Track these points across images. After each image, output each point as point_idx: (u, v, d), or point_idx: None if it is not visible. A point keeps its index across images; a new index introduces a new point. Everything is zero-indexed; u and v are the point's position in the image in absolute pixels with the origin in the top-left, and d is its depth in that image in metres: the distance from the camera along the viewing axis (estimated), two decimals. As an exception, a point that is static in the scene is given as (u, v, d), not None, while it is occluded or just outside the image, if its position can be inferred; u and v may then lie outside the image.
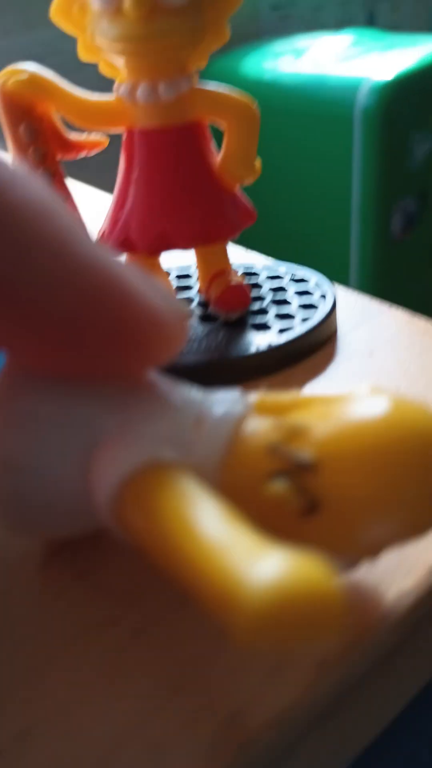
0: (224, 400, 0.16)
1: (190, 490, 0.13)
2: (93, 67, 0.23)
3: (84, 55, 0.23)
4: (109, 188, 0.39)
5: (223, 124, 0.24)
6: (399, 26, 1.39)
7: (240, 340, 0.24)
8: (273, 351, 0.24)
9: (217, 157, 0.24)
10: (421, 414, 0.14)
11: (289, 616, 0.11)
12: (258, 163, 0.24)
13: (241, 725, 0.14)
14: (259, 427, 0.15)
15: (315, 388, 0.23)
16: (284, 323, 0.25)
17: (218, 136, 0.24)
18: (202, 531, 0.12)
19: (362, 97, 0.96)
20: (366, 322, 0.26)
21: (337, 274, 1.09)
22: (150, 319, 0.14)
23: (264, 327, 0.25)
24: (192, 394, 0.16)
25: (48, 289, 0.13)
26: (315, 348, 0.25)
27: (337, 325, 0.26)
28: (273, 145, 1.07)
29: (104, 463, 0.14)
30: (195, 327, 0.25)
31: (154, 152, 0.23)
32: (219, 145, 0.24)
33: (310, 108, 1.04)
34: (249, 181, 0.24)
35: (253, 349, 0.24)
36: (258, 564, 0.11)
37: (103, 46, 0.22)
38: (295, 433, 0.14)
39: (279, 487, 0.14)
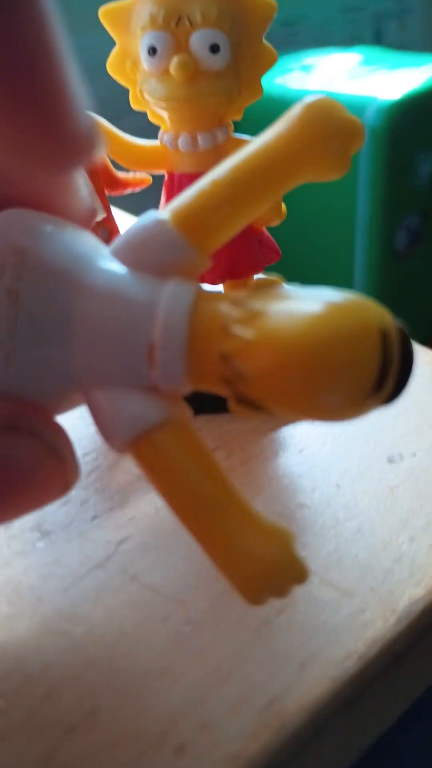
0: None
1: (189, 454, 0.15)
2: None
3: (134, 104, 0.25)
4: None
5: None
6: (406, 45, 1.41)
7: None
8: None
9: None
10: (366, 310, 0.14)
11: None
12: (284, 206, 0.26)
13: (277, 711, 0.16)
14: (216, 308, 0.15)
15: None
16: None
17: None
18: (203, 498, 0.14)
19: (369, 117, 0.99)
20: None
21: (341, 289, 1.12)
22: (68, 120, 0.14)
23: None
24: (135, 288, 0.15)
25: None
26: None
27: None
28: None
29: (110, 417, 0.15)
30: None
31: (191, 194, 0.26)
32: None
33: (318, 124, 1.06)
34: (275, 223, 0.26)
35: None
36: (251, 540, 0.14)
37: (150, 101, 0.24)
38: (253, 315, 0.14)
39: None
